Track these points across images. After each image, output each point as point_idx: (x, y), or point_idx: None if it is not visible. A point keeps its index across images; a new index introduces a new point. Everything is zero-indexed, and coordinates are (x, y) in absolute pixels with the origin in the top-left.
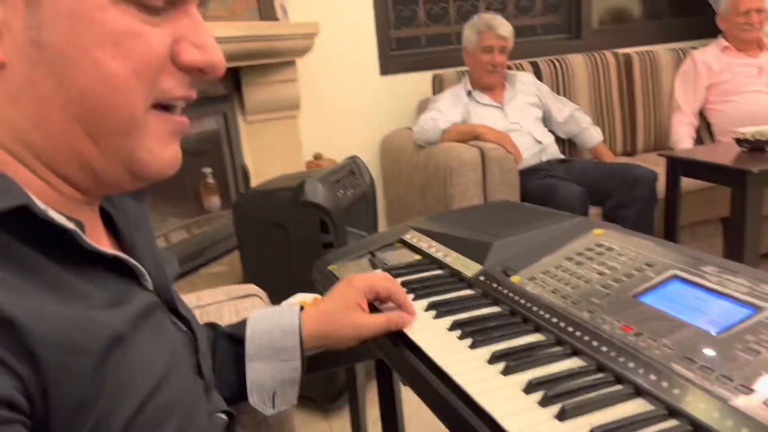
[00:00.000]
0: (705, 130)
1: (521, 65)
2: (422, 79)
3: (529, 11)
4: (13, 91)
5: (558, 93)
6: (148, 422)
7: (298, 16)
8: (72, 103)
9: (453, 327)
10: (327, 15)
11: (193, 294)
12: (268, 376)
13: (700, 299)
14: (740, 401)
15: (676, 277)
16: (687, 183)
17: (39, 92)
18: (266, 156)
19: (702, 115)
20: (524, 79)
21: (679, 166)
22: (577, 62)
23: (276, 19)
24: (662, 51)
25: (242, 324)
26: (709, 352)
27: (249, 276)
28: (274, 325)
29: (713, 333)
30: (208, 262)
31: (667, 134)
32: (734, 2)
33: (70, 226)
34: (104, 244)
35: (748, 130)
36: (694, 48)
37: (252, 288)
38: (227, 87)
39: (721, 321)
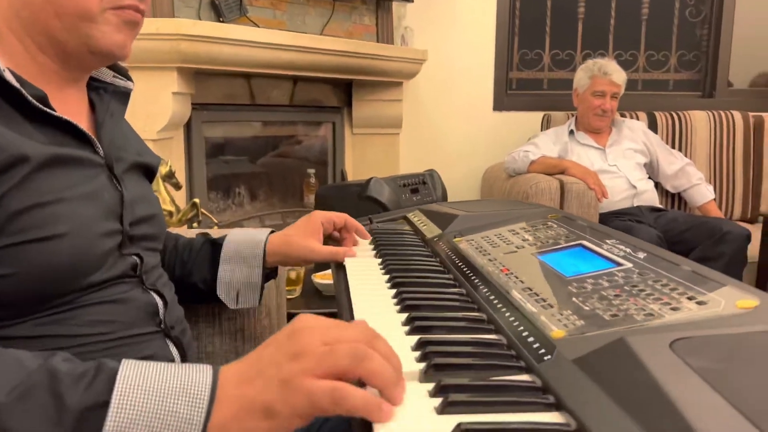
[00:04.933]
0: None
1: (636, 115)
2: (534, 118)
3: (663, 66)
4: None
5: (673, 147)
6: (45, 216)
7: (419, 47)
8: None
9: (382, 263)
10: (448, 49)
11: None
12: (235, 277)
13: (584, 259)
14: (530, 308)
15: (580, 245)
16: None
17: None
18: (366, 165)
19: None
20: (633, 125)
21: None
22: (699, 118)
23: (392, 44)
24: None
25: (225, 236)
26: (548, 286)
27: None
28: (246, 239)
29: (566, 276)
30: None
31: None
32: None
33: (15, 84)
34: (81, 118)
35: None
36: None
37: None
38: (339, 100)
39: (579, 270)
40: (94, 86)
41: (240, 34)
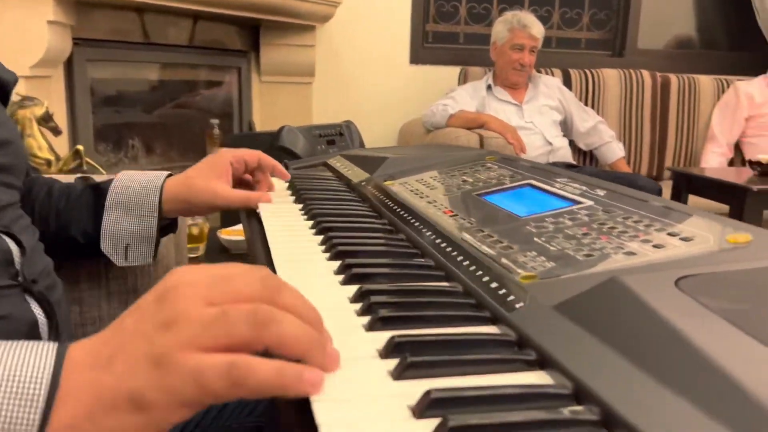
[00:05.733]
0: (740, 164)
1: (551, 71)
2: (451, 73)
3: (576, 24)
4: None
5: (586, 104)
6: None
7: None
8: None
9: (304, 209)
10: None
11: None
12: (124, 227)
13: (536, 198)
14: (487, 249)
15: (529, 185)
16: (699, 205)
17: None
18: (276, 117)
19: (739, 149)
20: (549, 82)
21: (683, 182)
22: (610, 76)
23: None
24: (705, 79)
25: (111, 180)
26: (502, 226)
27: (226, 211)
28: (138, 183)
29: (520, 216)
30: None
31: (697, 162)
32: None
33: None
34: None
35: (765, 156)
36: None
37: None
38: (245, 44)
39: (534, 209)
40: None
41: None
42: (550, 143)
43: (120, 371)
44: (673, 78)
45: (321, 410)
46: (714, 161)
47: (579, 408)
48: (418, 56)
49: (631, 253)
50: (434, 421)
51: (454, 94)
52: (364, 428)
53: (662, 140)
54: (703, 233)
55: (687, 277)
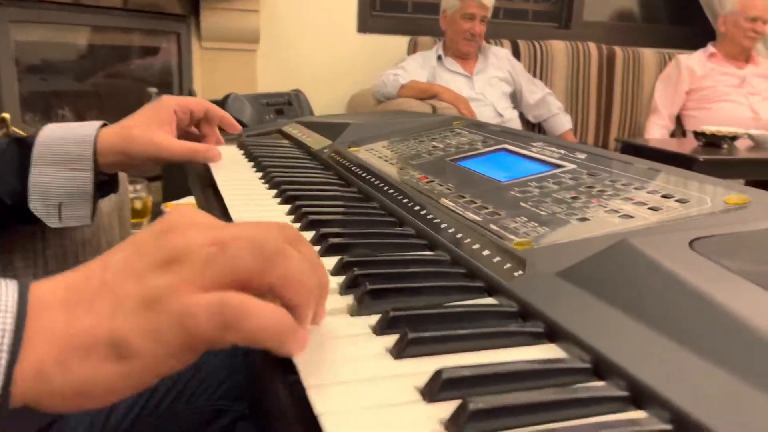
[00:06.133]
0: (680, 135)
1: (501, 42)
2: (400, 43)
3: None
4: None
5: (534, 75)
6: None
7: None
8: None
9: (265, 177)
10: None
11: None
12: (55, 183)
13: (513, 163)
14: (472, 215)
15: (504, 150)
16: None
17: None
18: (218, 86)
19: (680, 121)
20: (499, 53)
21: (631, 152)
22: (558, 48)
23: None
24: (648, 52)
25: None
26: (484, 192)
27: (170, 183)
28: (68, 134)
29: (501, 181)
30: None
31: (641, 134)
32: (745, 6)
33: None
34: None
35: (710, 128)
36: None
37: None
38: (184, 7)
39: (515, 174)
40: None
41: None
42: (501, 115)
43: (103, 312)
44: (619, 51)
45: (319, 397)
46: (657, 133)
47: (603, 383)
48: (365, 24)
49: (628, 216)
50: (450, 405)
51: (405, 64)
52: (371, 416)
53: (608, 112)
54: (697, 194)
55: (700, 239)
